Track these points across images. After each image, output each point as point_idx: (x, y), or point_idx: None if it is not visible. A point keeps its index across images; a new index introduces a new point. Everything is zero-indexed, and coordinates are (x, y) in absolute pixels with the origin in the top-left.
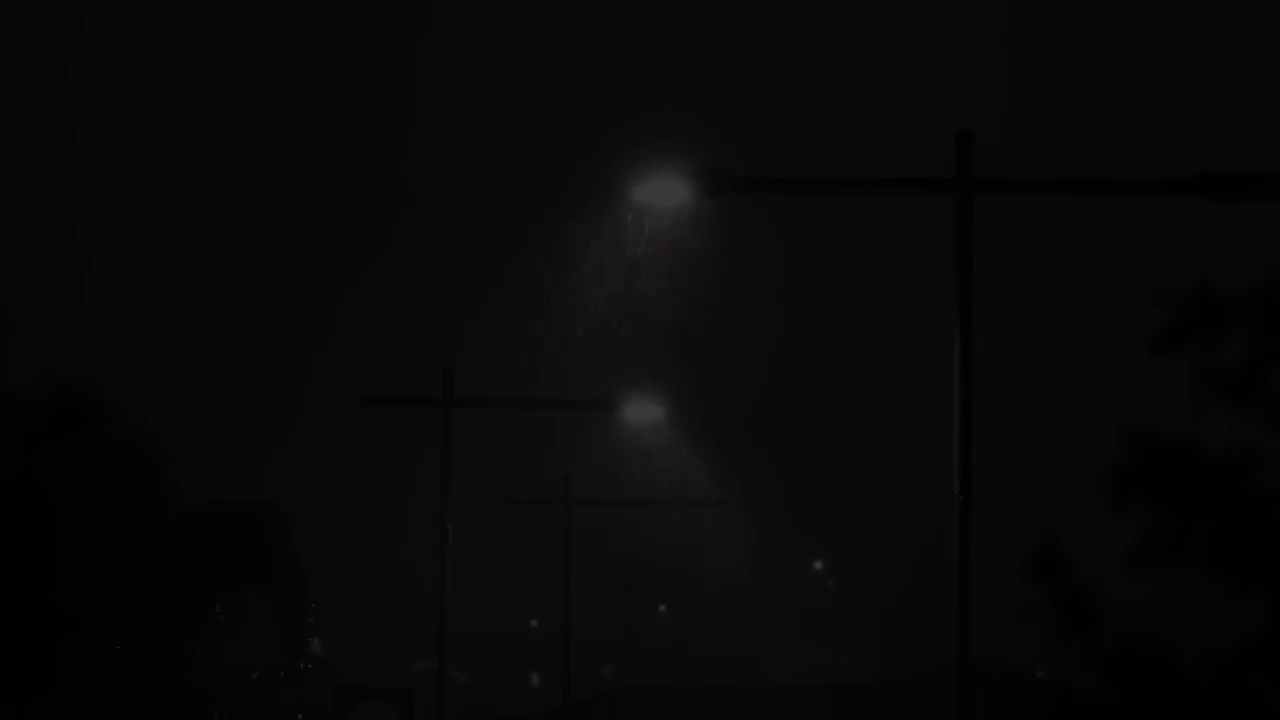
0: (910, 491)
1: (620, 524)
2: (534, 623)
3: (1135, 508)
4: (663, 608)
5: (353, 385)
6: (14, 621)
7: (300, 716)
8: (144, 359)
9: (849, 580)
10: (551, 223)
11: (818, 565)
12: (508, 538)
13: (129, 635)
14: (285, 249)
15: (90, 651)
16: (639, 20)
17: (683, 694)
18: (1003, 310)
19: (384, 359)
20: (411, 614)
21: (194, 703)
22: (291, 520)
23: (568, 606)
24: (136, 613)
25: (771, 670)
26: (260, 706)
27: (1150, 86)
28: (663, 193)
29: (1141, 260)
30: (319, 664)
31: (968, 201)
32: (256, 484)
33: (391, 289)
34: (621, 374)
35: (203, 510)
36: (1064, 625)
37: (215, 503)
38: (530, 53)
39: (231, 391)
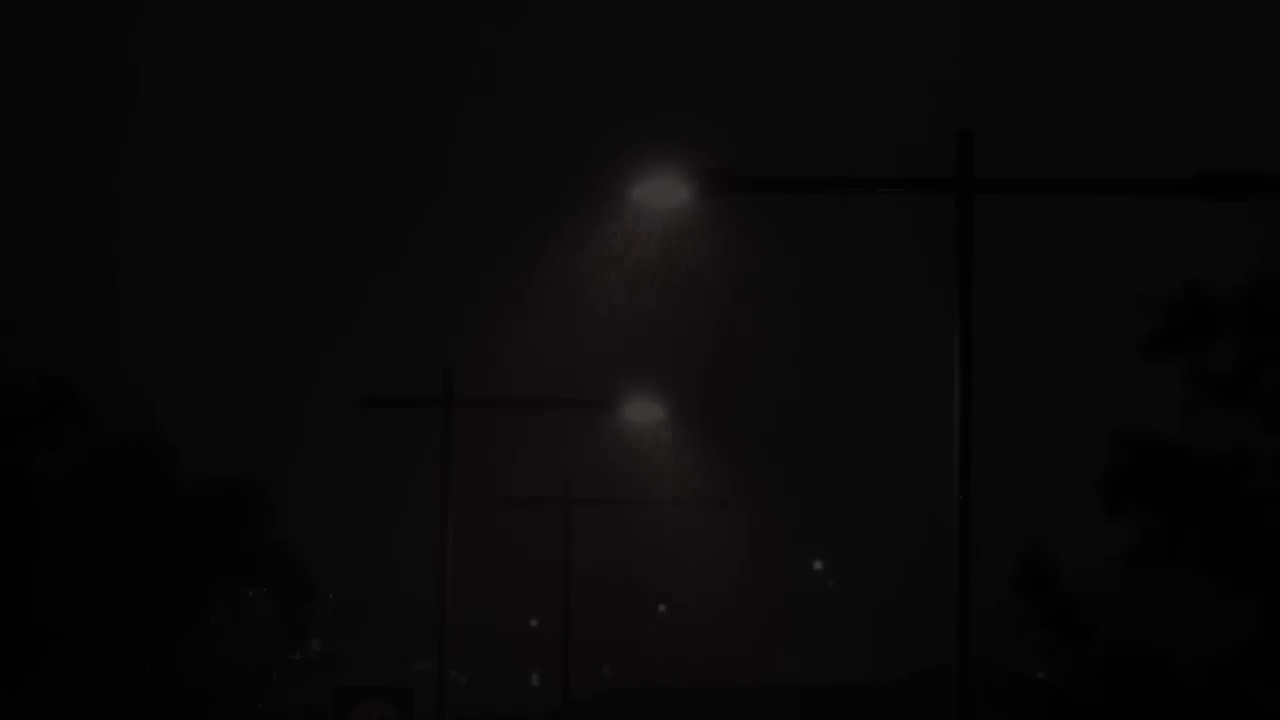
0: (910, 491)
1: (620, 524)
2: (534, 623)
3: (1130, 511)
4: (662, 608)
5: (355, 386)
6: None
7: (297, 716)
8: (152, 357)
9: (849, 580)
10: (554, 225)
11: (818, 565)
12: (508, 538)
13: (117, 631)
14: (288, 257)
15: (76, 648)
16: (640, 28)
17: (682, 694)
18: (1003, 310)
19: (385, 361)
20: (411, 614)
21: (190, 698)
22: (294, 519)
23: (567, 607)
24: (125, 607)
25: (771, 670)
26: (259, 701)
27: (1150, 86)
28: (663, 193)
29: (1141, 261)
30: (321, 655)
31: (968, 201)
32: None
33: (394, 292)
34: (621, 374)
35: (187, 492)
36: (1054, 637)
37: (198, 483)
38: (539, 59)
39: (236, 391)
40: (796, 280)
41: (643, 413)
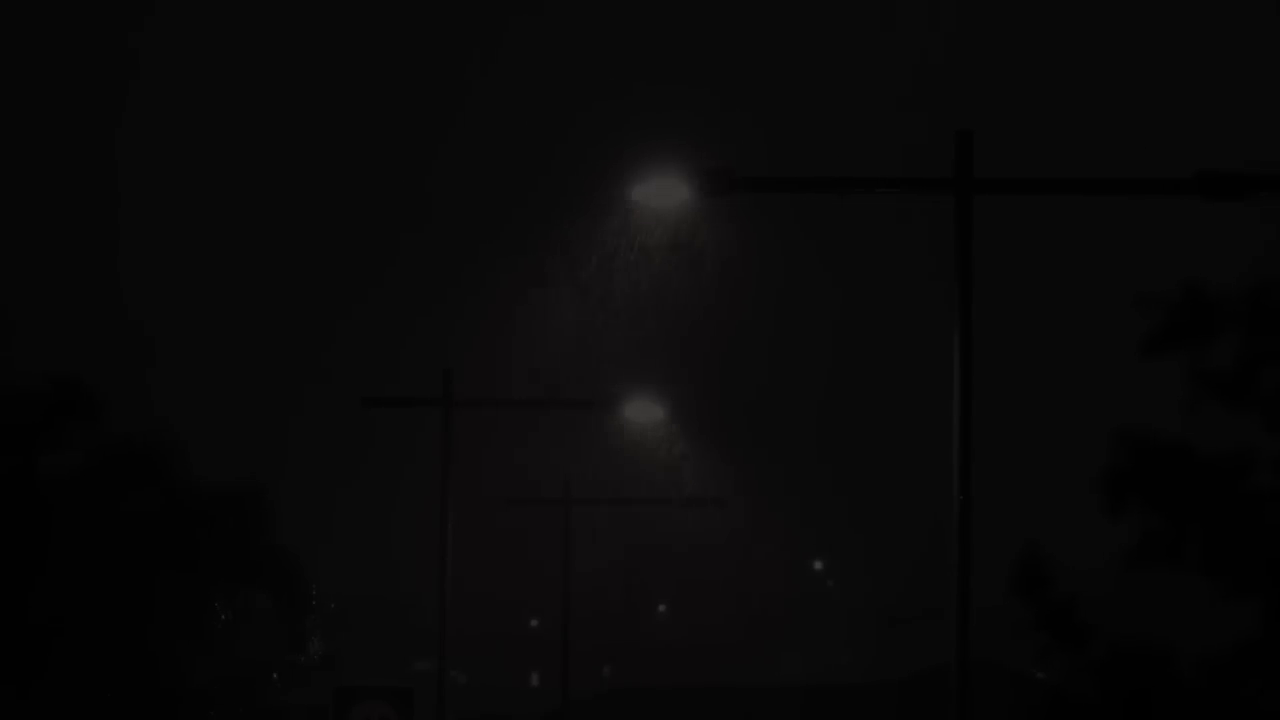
0: (910, 491)
1: (620, 523)
2: (534, 623)
3: (1131, 510)
4: (663, 608)
5: (355, 386)
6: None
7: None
8: (150, 356)
9: (849, 580)
10: (553, 224)
11: (818, 565)
12: (507, 538)
13: (121, 631)
14: (287, 254)
15: (79, 648)
16: (639, 29)
17: (682, 694)
18: (1003, 310)
19: (386, 360)
20: (411, 614)
21: (191, 699)
22: (291, 518)
23: (567, 606)
24: (129, 608)
25: (771, 670)
26: (260, 701)
27: (1150, 86)
28: (663, 193)
29: (1141, 261)
30: (321, 658)
31: (968, 201)
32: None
33: (394, 293)
34: (621, 374)
35: (189, 492)
36: (1051, 638)
37: (197, 485)
38: (537, 60)
39: (235, 390)
40: (795, 280)
41: (643, 413)
